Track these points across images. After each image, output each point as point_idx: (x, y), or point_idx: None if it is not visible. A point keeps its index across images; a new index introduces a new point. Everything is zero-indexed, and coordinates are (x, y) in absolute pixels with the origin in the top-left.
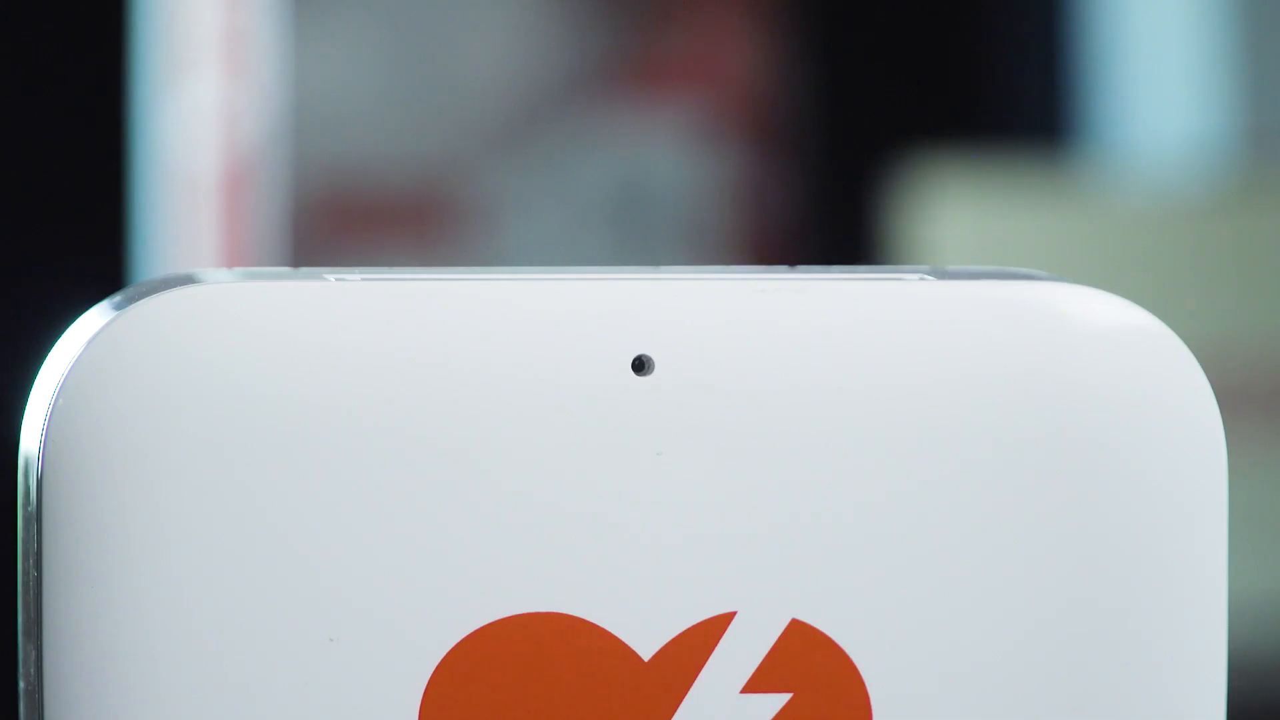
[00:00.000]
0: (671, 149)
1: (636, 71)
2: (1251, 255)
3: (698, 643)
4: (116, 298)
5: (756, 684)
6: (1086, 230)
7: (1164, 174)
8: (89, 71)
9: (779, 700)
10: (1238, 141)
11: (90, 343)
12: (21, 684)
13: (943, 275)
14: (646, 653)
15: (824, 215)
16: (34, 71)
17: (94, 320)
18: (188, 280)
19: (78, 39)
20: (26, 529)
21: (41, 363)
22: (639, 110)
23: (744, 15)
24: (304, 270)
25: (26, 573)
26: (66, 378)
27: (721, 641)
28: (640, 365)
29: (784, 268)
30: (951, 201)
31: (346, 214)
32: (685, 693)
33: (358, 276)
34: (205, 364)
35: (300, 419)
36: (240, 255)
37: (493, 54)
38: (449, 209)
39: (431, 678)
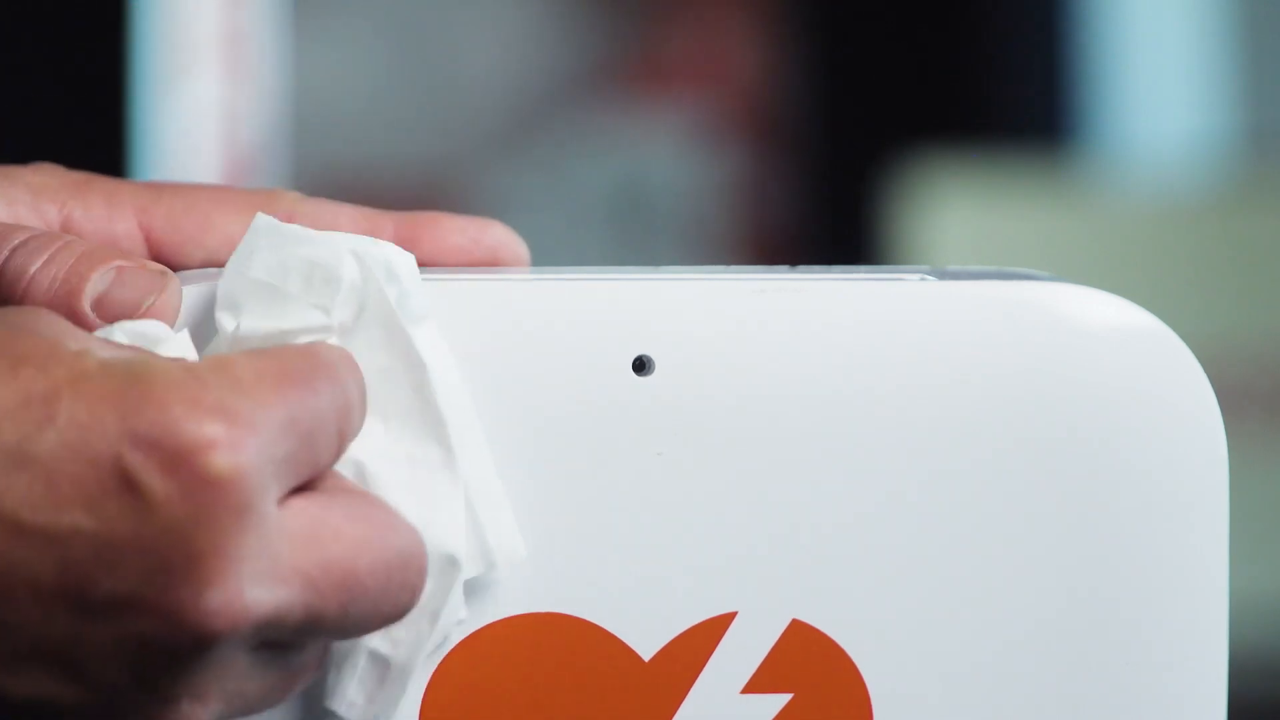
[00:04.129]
0: (671, 149)
1: (636, 71)
2: (1251, 255)
3: (698, 643)
4: None
5: (757, 684)
6: (1086, 230)
7: (1164, 174)
8: (89, 71)
9: (779, 700)
10: (1238, 141)
11: None
12: None
13: (943, 275)
14: (647, 653)
15: (824, 215)
16: (35, 72)
17: None
18: (183, 280)
19: (78, 39)
20: None
21: None
22: (639, 110)
23: (744, 15)
24: None
25: None
26: None
27: (722, 642)
28: (640, 365)
29: (784, 268)
30: (951, 201)
31: None
32: (686, 693)
33: None
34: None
35: None
36: None
37: (493, 54)
38: (448, 209)
39: (432, 678)
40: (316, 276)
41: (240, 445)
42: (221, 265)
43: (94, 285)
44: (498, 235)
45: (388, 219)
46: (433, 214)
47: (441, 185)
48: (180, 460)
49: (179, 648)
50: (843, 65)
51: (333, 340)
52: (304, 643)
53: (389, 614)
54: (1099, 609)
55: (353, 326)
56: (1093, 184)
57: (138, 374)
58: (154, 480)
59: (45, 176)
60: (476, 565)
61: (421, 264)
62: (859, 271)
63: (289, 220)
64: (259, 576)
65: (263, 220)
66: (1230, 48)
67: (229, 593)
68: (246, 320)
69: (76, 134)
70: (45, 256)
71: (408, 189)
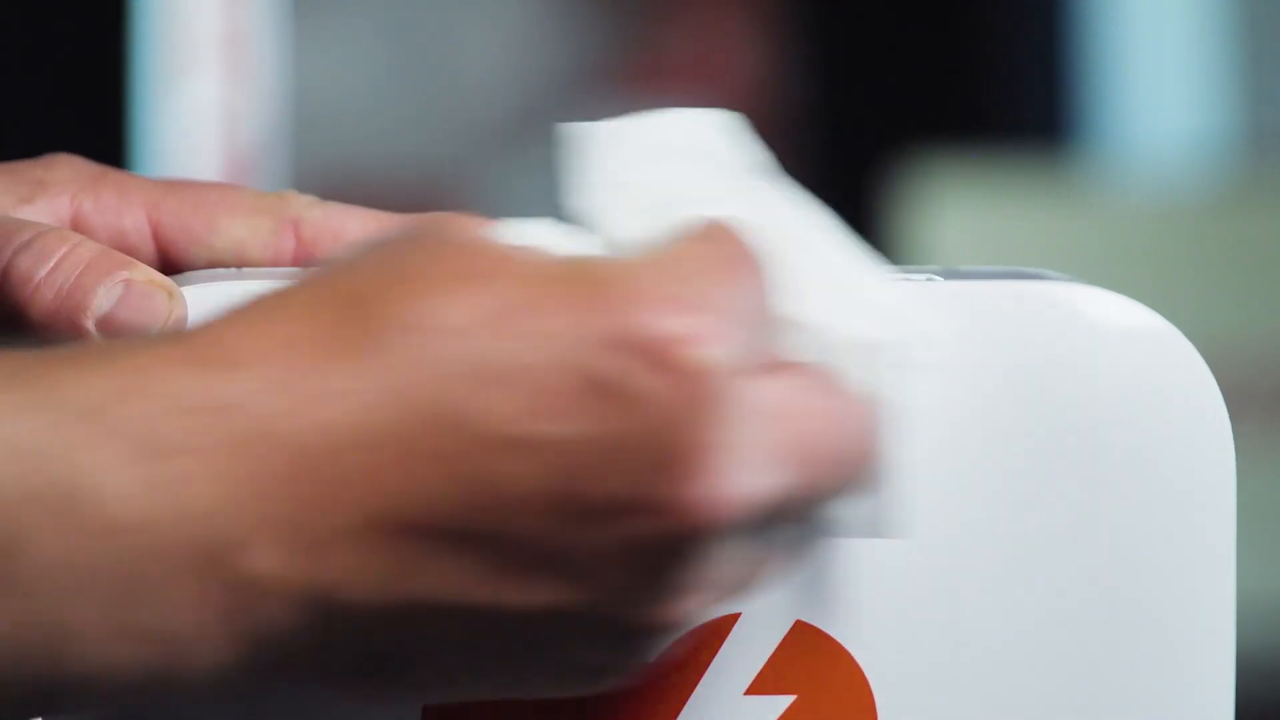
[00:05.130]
0: None
1: (636, 71)
2: (1252, 255)
3: (702, 644)
4: None
5: (761, 686)
6: (1087, 230)
7: (1164, 174)
8: (89, 71)
9: (783, 702)
10: (1238, 141)
11: None
12: None
13: (951, 275)
14: None
15: None
16: (35, 72)
17: None
18: (185, 280)
19: (78, 39)
20: None
21: None
22: (639, 110)
23: (744, 15)
24: (305, 270)
25: None
26: None
27: (726, 643)
28: None
29: None
30: (952, 201)
31: None
32: (689, 695)
33: None
34: None
35: None
36: None
37: (493, 54)
38: (448, 209)
39: None
40: (659, 159)
41: (715, 334)
42: (225, 266)
43: (99, 302)
44: None
45: (397, 222)
46: (442, 215)
47: (441, 185)
48: (663, 357)
49: (681, 541)
50: (843, 65)
51: (706, 210)
52: (784, 524)
53: (863, 470)
54: (1105, 608)
55: (715, 193)
56: (1093, 184)
57: (591, 278)
58: (640, 380)
59: (59, 170)
60: (896, 342)
61: None
62: None
63: (297, 226)
64: (749, 462)
65: (579, 132)
66: (1230, 48)
67: (725, 481)
68: (619, 223)
69: (77, 134)
70: (51, 264)
71: (408, 189)
